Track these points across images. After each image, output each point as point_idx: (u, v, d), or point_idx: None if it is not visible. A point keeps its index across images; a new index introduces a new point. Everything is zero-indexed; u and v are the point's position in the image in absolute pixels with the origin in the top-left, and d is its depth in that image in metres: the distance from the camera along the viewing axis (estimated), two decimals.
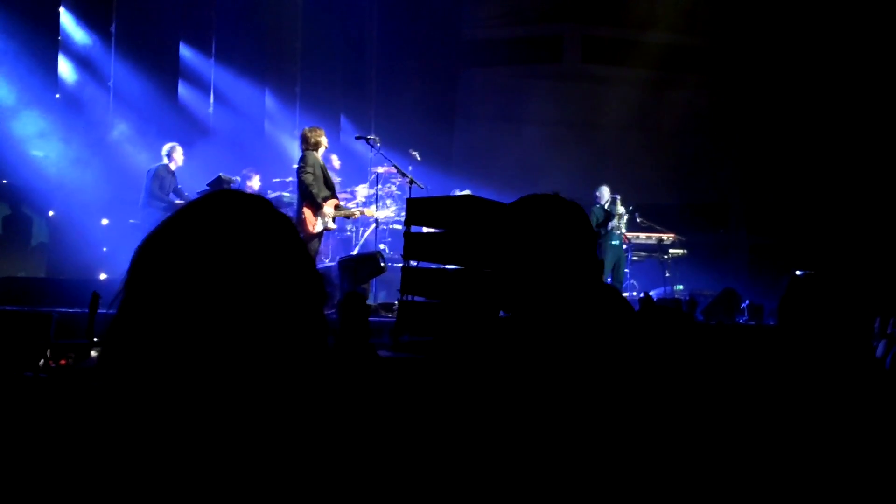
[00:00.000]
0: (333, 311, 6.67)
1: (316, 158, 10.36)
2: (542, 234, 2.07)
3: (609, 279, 13.33)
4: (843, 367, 2.73)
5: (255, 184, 12.78)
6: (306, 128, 10.69)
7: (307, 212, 10.19)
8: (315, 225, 10.23)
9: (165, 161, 11.64)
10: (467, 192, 12.93)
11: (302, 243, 1.35)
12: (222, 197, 1.34)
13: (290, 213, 12.08)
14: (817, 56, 17.40)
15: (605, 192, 13.49)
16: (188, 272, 1.23)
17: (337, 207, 10.66)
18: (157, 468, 1.17)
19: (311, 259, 1.35)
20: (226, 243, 1.26)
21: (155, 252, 1.27)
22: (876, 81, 16.85)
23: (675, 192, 18.25)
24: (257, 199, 1.35)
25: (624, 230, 13.49)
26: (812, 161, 17.47)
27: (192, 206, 1.32)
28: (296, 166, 10.48)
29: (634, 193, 16.31)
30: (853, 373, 2.72)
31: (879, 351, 8.70)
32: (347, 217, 11.52)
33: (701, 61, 18.79)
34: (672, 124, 19.37)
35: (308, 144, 10.35)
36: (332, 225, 10.70)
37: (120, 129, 13.01)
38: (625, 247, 13.64)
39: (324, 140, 10.50)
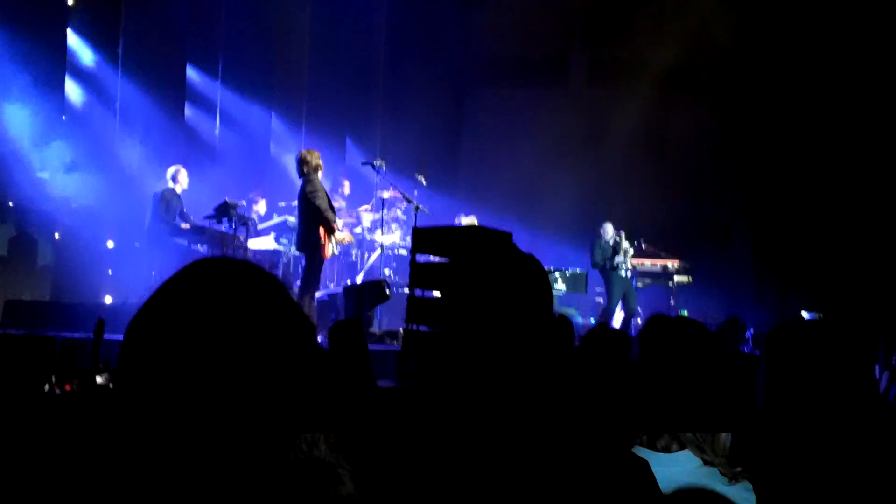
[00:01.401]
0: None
1: (320, 182, 10.32)
2: (493, 292, 2.06)
3: (621, 310, 13.38)
4: (846, 405, 2.71)
5: (260, 208, 12.82)
6: (303, 151, 10.55)
7: (324, 237, 10.08)
8: (329, 249, 10.17)
9: (171, 184, 11.65)
10: (472, 217, 12.94)
11: (296, 307, 1.34)
12: (208, 267, 1.33)
13: (293, 236, 12.14)
14: (827, 76, 17.38)
15: (608, 230, 13.56)
16: (180, 350, 1.23)
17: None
18: None
19: (309, 324, 1.35)
20: (217, 319, 1.25)
21: (146, 329, 1.27)
22: (888, 101, 16.83)
23: (680, 214, 18.22)
24: (244, 267, 1.34)
25: (629, 265, 13.52)
26: (821, 183, 17.44)
27: (179, 280, 1.31)
28: (301, 191, 10.37)
29: (639, 216, 16.30)
30: (857, 411, 2.71)
31: (883, 384, 8.65)
32: (339, 242, 11.48)
33: (708, 84, 18.78)
34: (678, 146, 19.36)
35: (309, 167, 10.21)
36: (336, 250, 10.70)
37: (126, 151, 13.03)
38: (629, 270, 13.63)
39: (321, 163, 10.41)
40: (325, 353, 1.30)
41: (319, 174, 10.34)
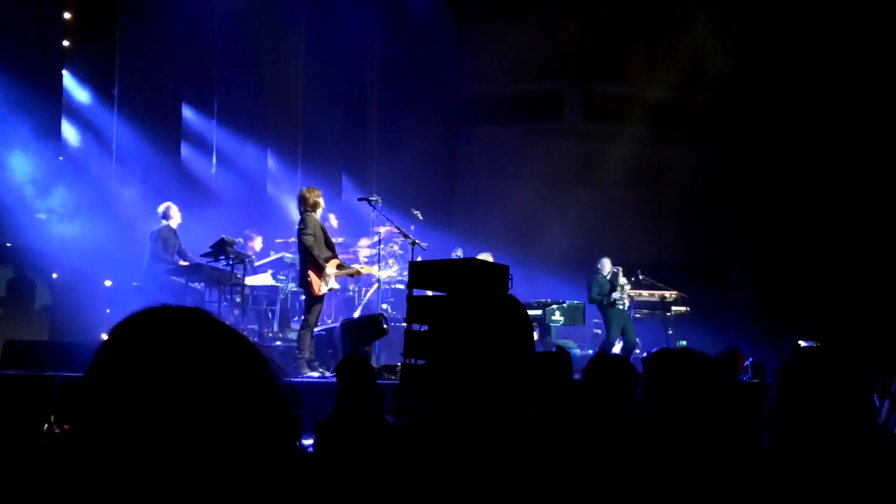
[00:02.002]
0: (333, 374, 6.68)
1: (315, 220, 10.38)
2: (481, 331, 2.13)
3: (621, 343, 13.37)
4: (847, 437, 2.73)
5: (256, 245, 12.85)
6: (304, 188, 10.70)
7: (312, 274, 10.17)
8: (320, 287, 10.21)
9: (164, 222, 11.66)
10: (488, 254, 12.91)
11: (253, 356, 1.30)
12: (152, 321, 1.28)
13: (292, 273, 12.19)
14: (820, 113, 17.48)
15: (606, 265, 13.58)
16: (130, 408, 1.21)
17: (339, 266, 10.67)
18: None
19: (265, 372, 1.30)
20: (165, 375, 1.22)
21: (95, 387, 1.24)
22: (881, 139, 16.92)
23: (676, 248, 18.26)
24: (192, 316, 1.29)
25: (626, 301, 13.53)
26: (815, 218, 17.50)
27: (124, 335, 1.26)
28: (297, 228, 10.49)
29: (635, 250, 16.34)
30: (858, 443, 2.73)
31: (883, 413, 8.64)
32: (349, 275, 11.50)
33: (702, 118, 18.87)
34: (673, 181, 19.43)
35: (307, 205, 10.34)
36: (335, 285, 10.69)
37: (123, 191, 13.06)
38: (627, 305, 13.62)
39: (321, 201, 10.50)
40: (280, 389, 1.20)
41: (318, 212, 10.45)
